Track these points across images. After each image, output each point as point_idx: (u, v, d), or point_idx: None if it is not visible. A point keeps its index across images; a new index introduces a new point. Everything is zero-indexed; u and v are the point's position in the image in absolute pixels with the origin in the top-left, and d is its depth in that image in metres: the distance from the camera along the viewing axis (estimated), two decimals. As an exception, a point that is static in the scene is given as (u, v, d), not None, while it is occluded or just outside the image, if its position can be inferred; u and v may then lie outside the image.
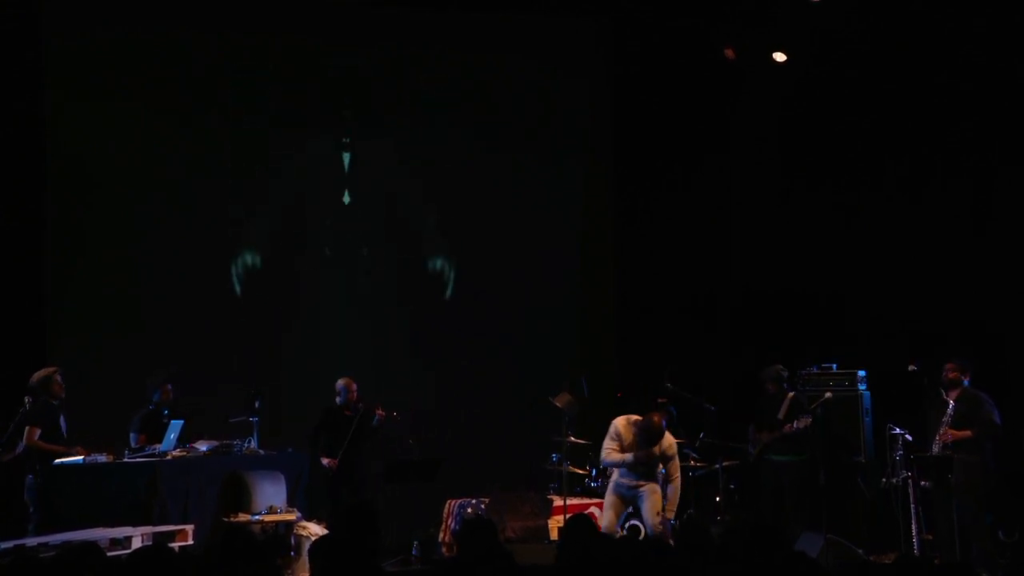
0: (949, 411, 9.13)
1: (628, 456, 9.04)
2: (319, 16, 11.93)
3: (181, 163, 11.53)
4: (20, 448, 8.83)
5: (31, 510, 8.78)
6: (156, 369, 10.09)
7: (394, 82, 12.29)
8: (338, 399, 10.38)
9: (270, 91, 11.88)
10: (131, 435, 9.73)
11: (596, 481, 10.78)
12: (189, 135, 11.56)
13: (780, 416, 10.23)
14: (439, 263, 12.38)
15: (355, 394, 10.32)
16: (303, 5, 11.90)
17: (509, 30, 12.40)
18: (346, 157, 12.26)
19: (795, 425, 9.99)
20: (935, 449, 9.18)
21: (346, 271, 12.24)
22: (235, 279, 11.79)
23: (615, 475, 9.16)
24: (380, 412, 10.26)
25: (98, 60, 11.37)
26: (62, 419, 9.03)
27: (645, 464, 9.09)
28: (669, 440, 9.22)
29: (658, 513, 9.03)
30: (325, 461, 10.06)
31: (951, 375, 9.26)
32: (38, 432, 8.82)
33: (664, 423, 9.18)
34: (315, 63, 12.10)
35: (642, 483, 9.10)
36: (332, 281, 12.18)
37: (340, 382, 10.43)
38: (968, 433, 9.12)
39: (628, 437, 9.10)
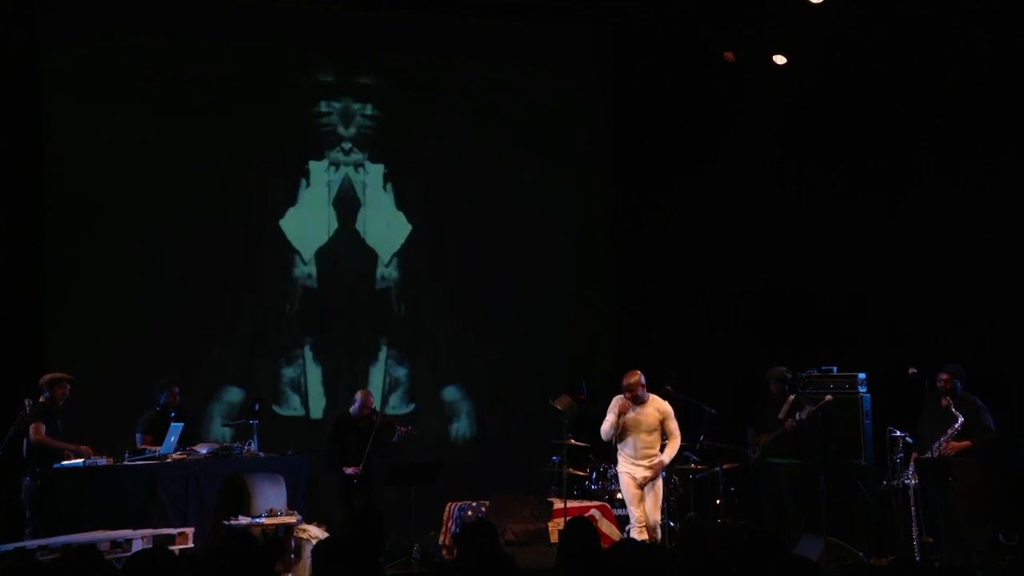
0: (956, 425, 9.09)
1: (613, 418, 9.14)
2: (318, 24, 11.95)
3: (180, 166, 11.51)
4: (26, 445, 8.80)
5: (29, 513, 8.75)
6: (167, 373, 10.05)
7: (393, 88, 12.30)
8: (352, 409, 10.36)
9: (268, 98, 11.87)
10: (137, 436, 9.72)
11: (596, 483, 10.79)
12: (188, 138, 11.54)
13: (780, 416, 10.24)
14: (437, 267, 12.37)
15: (370, 408, 10.32)
16: (303, 13, 11.90)
17: (508, 37, 12.44)
18: (345, 164, 12.25)
19: (797, 417, 9.99)
20: (932, 456, 9.17)
21: (345, 275, 12.23)
22: (235, 280, 11.78)
23: (623, 466, 9.23)
24: (402, 428, 10.27)
25: (98, 66, 11.35)
26: (58, 421, 9.00)
27: (636, 423, 9.13)
28: (662, 404, 9.27)
29: (661, 509, 9.07)
30: (349, 469, 9.98)
31: (947, 384, 9.25)
32: (43, 428, 8.81)
33: (640, 375, 9.21)
34: (316, 70, 12.12)
35: (652, 475, 9.11)
36: (331, 284, 12.17)
37: (358, 394, 10.44)
38: (968, 443, 9.12)
39: (621, 405, 9.23)
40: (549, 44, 12.54)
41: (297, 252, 12.05)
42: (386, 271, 12.33)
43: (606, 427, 9.23)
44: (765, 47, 11.44)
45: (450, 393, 12.28)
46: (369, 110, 12.32)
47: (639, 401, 9.18)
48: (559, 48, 12.61)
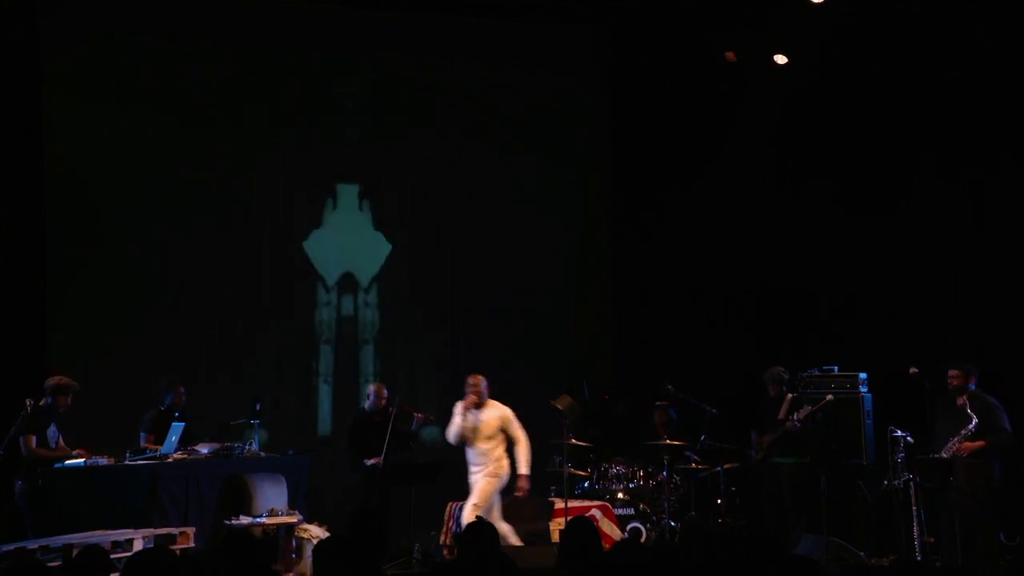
0: (971, 426, 9.04)
1: (456, 419, 9.23)
2: (318, 24, 11.93)
3: (180, 166, 11.52)
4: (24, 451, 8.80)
5: (27, 513, 8.72)
6: (168, 372, 10.04)
7: (394, 88, 12.29)
8: (366, 404, 10.36)
9: (268, 98, 11.87)
10: (141, 435, 9.71)
11: (598, 484, 10.79)
12: (188, 138, 11.54)
13: (780, 417, 10.24)
14: (437, 267, 12.37)
15: (384, 400, 10.30)
16: (303, 13, 11.89)
17: (508, 37, 12.42)
18: (345, 164, 12.24)
19: (796, 417, 9.99)
20: (945, 456, 9.13)
21: (345, 275, 12.23)
22: (235, 281, 11.78)
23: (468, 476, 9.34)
24: (419, 415, 10.26)
25: (98, 66, 11.35)
26: (54, 428, 8.97)
27: (473, 430, 9.23)
28: (504, 409, 9.34)
29: (475, 505, 9.14)
30: (370, 461, 9.92)
31: (955, 382, 9.21)
32: (35, 439, 8.78)
33: (479, 378, 9.31)
34: (315, 70, 12.12)
35: (478, 474, 9.23)
36: (331, 286, 12.18)
37: (371, 387, 10.45)
38: (982, 443, 9.06)
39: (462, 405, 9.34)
40: (549, 44, 12.54)
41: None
42: (387, 271, 12.34)
43: (451, 430, 9.31)
44: (765, 47, 11.45)
45: (451, 394, 12.25)
46: (368, 112, 12.30)
47: (479, 406, 9.25)
48: (559, 48, 12.61)
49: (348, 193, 12.27)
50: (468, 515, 9.04)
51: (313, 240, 12.10)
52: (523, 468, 9.26)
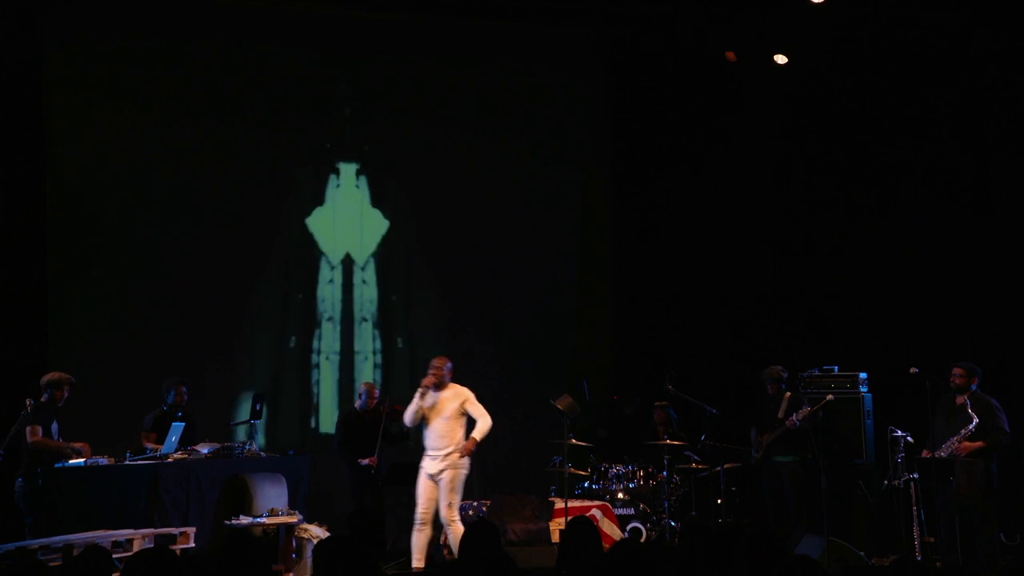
0: (971, 427, 9.03)
1: (416, 398, 9.09)
2: (319, 24, 11.95)
3: (181, 167, 11.52)
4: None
5: (26, 513, 8.72)
6: (171, 373, 10.04)
7: (393, 89, 12.30)
8: (358, 403, 10.37)
9: (270, 99, 11.89)
10: (143, 435, 9.72)
11: (597, 483, 10.79)
12: (189, 140, 11.55)
13: (780, 416, 10.24)
14: (437, 267, 12.37)
15: (375, 400, 10.31)
16: (305, 14, 11.90)
17: (508, 37, 12.43)
18: (345, 164, 12.24)
19: (795, 418, 9.99)
20: (943, 455, 9.13)
21: (345, 275, 12.24)
22: (235, 280, 11.79)
23: (423, 461, 9.13)
24: None
25: (99, 67, 11.36)
26: (56, 426, 8.97)
27: (431, 408, 9.07)
28: (462, 389, 9.19)
29: (449, 504, 9.00)
30: (365, 461, 9.95)
31: (958, 380, 9.20)
32: (40, 430, 8.79)
33: (446, 362, 9.18)
34: (315, 71, 12.12)
35: (444, 467, 9.01)
36: (332, 285, 12.18)
37: (362, 387, 10.50)
38: (981, 444, 9.06)
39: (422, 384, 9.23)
40: (549, 44, 12.55)
41: (295, 254, 12.08)
42: (386, 275, 12.35)
43: (409, 410, 9.14)
44: (765, 47, 11.45)
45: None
46: (368, 113, 12.30)
47: (438, 387, 9.10)
48: (559, 48, 12.62)
49: (348, 198, 12.27)
50: (447, 517, 8.95)
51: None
52: (475, 434, 9.05)
